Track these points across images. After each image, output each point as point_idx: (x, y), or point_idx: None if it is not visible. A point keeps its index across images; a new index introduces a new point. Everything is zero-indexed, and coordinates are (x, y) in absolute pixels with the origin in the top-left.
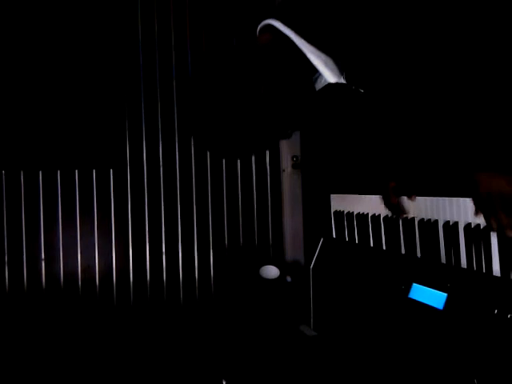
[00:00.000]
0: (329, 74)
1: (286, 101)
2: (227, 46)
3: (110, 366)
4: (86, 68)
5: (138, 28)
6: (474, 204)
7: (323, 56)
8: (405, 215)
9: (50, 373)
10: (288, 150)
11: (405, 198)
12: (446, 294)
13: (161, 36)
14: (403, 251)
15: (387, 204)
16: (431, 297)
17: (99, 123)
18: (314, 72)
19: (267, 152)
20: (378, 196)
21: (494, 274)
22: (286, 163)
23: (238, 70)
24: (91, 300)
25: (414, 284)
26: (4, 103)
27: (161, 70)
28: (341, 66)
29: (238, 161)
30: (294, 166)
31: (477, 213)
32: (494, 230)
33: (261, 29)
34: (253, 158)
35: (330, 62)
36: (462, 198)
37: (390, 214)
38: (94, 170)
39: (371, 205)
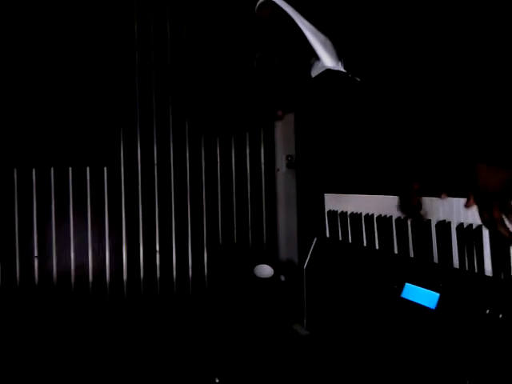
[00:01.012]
0: (326, 57)
1: (280, 78)
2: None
3: (104, 363)
4: (79, 65)
5: (133, 26)
6: (471, 195)
7: (322, 36)
8: (422, 217)
9: (43, 369)
10: (282, 149)
11: (432, 199)
12: (438, 294)
13: (156, 30)
14: (396, 251)
15: (405, 205)
16: (424, 296)
17: (93, 120)
18: (311, 54)
19: (262, 150)
20: (371, 196)
21: (486, 273)
22: (281, 162)
23: (232, 41)
24: (84, 297)
25: (407, 284)
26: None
27: (156, 67)
28: (339, 51)
29: (233, 160)
30: (288, 166)
31: (468, 204)
32: (485, 224)
33: (260, 4)
34: (247, 157)
35: (329, 43)
36: (454, 198)
37: (374, 213)
38: (88, 168)
39: (365, 204)
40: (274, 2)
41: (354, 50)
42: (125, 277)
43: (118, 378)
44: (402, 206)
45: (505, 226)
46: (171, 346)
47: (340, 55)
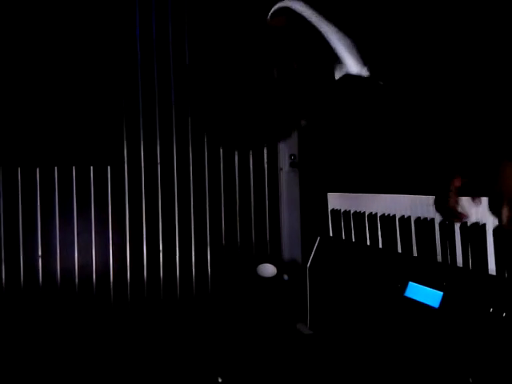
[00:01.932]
0: (351, 62)
1: (301, 88)
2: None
3: (107, 363)
4: (83, 65)
5: (135, 25)
6: (492, 193)
7: (348, 40)
8: (464, 219)
9: (46, 369)
10: (286, 148)
11: (468, 200)
12: (441, 293)
13: (158, 29)
14: (399, 250)
15: (444, 206)
16: (427, 295)
17: (96, 120)
18: (334, 59)
19: (265, 150)
20: (375, 195)
21: (490, 272)
22: (284, 162)
23: (248, 53)
24: (88, 297)
25: (410, 282)
26: (1, 101)
27: (159, 67)
28: (366, 56)
29: (236, 159)
30: (291, 165)
31: (474, 201)
32: (503, 223)
33: (274, 12)
34: (250, 157)
35: (354, 47)
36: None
37: (377, 213)
38: (92, 167)
39: (368, 203)
40: (289, 9)
41: (380, 55)
42: (128, 276)
43: (122, 377)
44: (439, 207)
45: None
46: (174, 345)
47: (366, 60)
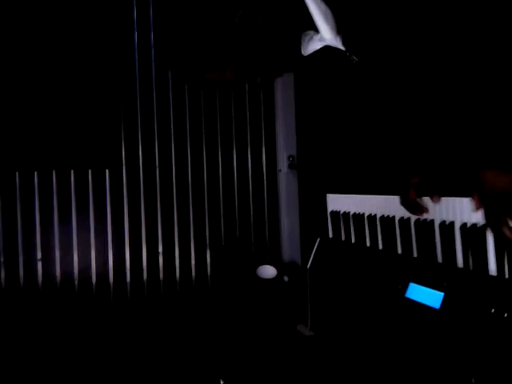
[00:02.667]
0: (325, 28)
1: (263, 39)
2: None
3: (108, 365)
4: (81, 68)
5: (133, 28)
6: (479, 200)
7: (323, 6)
8: (424, 214)
9: (47, 371)
10: (284, 149)
11: (426, 198)
12: (442, 294)
13: (156, 36)
14: (400, 251)
15: (405, 201)
16: (428, 296)
17: (94, 123)
18: (307, 26)
19: (263, 151)
20: (374, 196)
21: (490, 273)
22: (282, 163)
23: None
24: (88, 300)
25: (411, 283)
26: (0, 105)
27: (156, 70)
28: (340, 24)
29: (234, 161)
30: (290, 166)
31: (475, 207)
32: (490, 226)
33: None
34: (249, 158)
35: (330, 14)
36: (457, 198)
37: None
38: (90, 171)
39: (367, 205)
40: None
41: (354, 25)
42: (128, 278)
43: (123, 379)
44: (403, 202)
45: (510, 228)
46: (175, 347)
47: (339, 29)
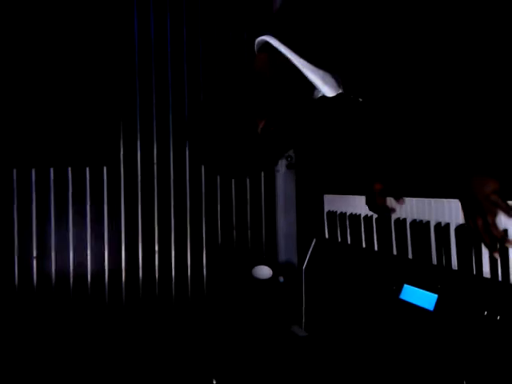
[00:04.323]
0: (327, 90)
1: (287, 128)
2: (224, 48)
3: (102, 365)
4: (80, 65)
5: (133, 26)
6: (463, 206)
7: (320, 72)
8: (391, 215)
9: (41, 371)
10: None
11: (392, 200)
12: (436, 295)
13: (157, 34)
14: (395, 252)
15: (371, 205)
16: (422, 298)
17: (92, 120)
18: (312, 87)
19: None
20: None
21: (485, 275)
22: (280, 163)
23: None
24: (83, 298)
25: (406, 285)
26: None
27: (156, 67)
28: (338, 80)
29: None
30: (287, 167)
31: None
32: (470, 230)
33: (258, 47)
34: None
35: (328, 76)
36: (453, 200)
37: (373, 215)
38: (88, 168)
39: (364, 205)
40: (270, 44)
41: (351, 75)
42: (124, 277)
43: (117, 379)
44: (369, 205)
45: (488, 233)
46: (169, 347)
47: (339, 83)
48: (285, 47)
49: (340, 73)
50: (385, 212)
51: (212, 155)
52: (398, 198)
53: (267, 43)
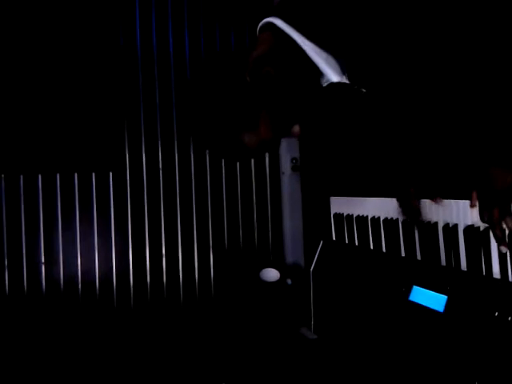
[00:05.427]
0: (331, 73)
1: (289, 104)
2: (226, 48)
3: (111, 369)
4: (84, 71)
5: (136, 31)
6: (476, 196)
7: (324, 54)
8: (423, 219)
9: (51, 375)
10: (287, 152)
11: (427, 202)
12: (446, 297)
13: (159, 39)
14: (403, 254)
15: (406, 208)
16: (431, 299)
17: (98, 126)
18: (317, 71)
19: (266, 154)
20: (377, 198)
21: (494, 276)
22: (286, 165)
23: (238, 73)
24: (91, 303)
25: (415, 286)
26: (3, 107)
27: (159, 73)
28: (343, 65)
29: (238, 163)
30: (293, 169)
31: (472, 204)
32: (484, 223)
33: (261, 27)
34: (252, 160)
35: (332, 60)
36: (461, 201)
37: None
38: (94, 173)
39: (371, 207)
40: (275, 25)
41: (357, 64)
42: (131, 281)
43: (125, 381)
44: (402, 210)
45: (501, 227)
46: (178, 349)
47: (343, 70)
48: (289, 27)
49: (344, 57)
50: (418, 215)
51: (216, 138)
52: (434, 197)
53: (270, 24)
